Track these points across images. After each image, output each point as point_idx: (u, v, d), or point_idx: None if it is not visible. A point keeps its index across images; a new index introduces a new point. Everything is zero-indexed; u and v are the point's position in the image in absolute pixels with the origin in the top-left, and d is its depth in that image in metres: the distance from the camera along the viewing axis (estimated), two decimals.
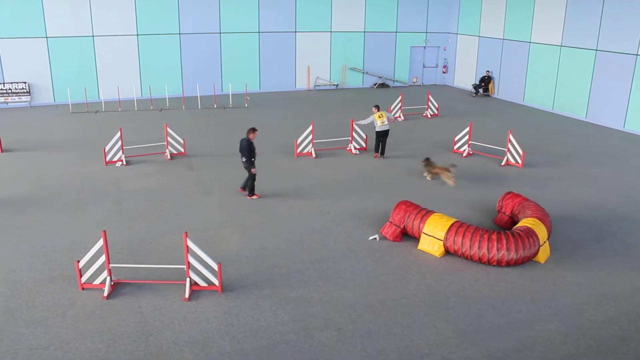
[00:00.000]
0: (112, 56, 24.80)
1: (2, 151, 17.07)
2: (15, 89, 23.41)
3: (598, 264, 10.38)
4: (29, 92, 23.64)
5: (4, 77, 23.31)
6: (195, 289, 9.19)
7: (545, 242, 10.41)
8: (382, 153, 16.83)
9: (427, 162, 15.06)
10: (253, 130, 13.12)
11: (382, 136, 16.60)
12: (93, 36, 24.33)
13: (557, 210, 12.86)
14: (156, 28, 25.25)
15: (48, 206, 12.80)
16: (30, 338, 7.91)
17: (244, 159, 13.11)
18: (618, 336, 8.18)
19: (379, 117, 16.39)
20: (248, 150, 12.97)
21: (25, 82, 23.50)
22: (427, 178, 15.01)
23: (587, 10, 22.29)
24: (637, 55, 20.45)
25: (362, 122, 17.03)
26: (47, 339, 7.90)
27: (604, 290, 9.48)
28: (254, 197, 13.47)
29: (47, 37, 23.62)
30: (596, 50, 22.05)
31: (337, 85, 29.19)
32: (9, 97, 23.42)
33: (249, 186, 13.46)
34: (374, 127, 16.60)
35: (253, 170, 13.19)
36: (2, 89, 23.22)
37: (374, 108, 16.76)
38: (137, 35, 24.99)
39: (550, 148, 18.28)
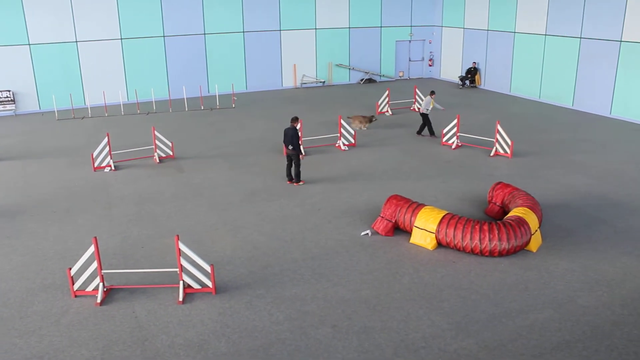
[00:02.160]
0: (97, 61, 24.62)
1: None
2: (0, 97, 23.19)
3: (589, 250, 10.45)
4: (13, 101, 23.43)
5: None
6: (189, 291, 9.15)
7: (536, 230, 10.46)
8: (432, 133, 18.63)
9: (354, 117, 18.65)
10: (297, 118, 14.17)
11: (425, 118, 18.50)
12: (76, 42, 24.15)
13: (548, 198, 12.92)
14: (140, 31, 25.09)
15: (37, 214, 12.71)
16: (24, 348, 7.85)
17: (290, 147, 13.83)
18: (611, 321, 8.23)
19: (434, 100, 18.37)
20: (296, 137, 13.83)
21: (9, 91, 23.29)
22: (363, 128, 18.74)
23: None
24: (620, 41, 20.57)
25: (437, 106, 18.77)
26: (41, 348, 7.84)
27: (596, 276, 9.54)
28: (301, 183, 14.27)
29: (29, 45, 23.42)
30: (580, 38, 22.16)
31: (324, 82, 29.17)
32: None
33: (296, 173, 14.22)
34: (427, 110, 18.32)
35: (302, 156, 14.08)
36: None
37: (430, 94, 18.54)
38: (121, 39, 24.83)
39: (538, 137, 18.37)
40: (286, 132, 13.96)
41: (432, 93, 18.68)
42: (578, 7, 22.06)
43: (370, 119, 19.28)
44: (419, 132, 18.81)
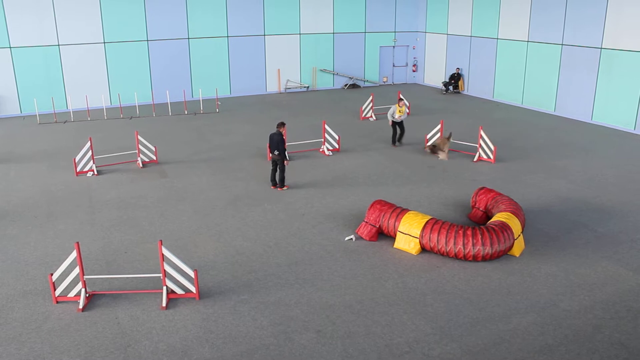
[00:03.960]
0: (79, 65, 24.43)
1: None
2: None
3: (571, 255, 10.55)
4: None
5: None
6: (172, 297, 9.09)
7: (519, 235, 10.54)
8: (399, 141, 18.39)
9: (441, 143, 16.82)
10: (283, 124, 14.27)
11: (397, 126, 18.25)
12: (59, 45, 23.94)
13: (530, 203, 13.04)
14: (123, 35, 24.95)
15: (18, 219, 12.56)
16: (3, 355, 7.74)
17: (276, 152, 13.89)
18: (593, 324, 8.32)
19: (399, 108, 17.79)
20: (282, 143, 13.91)
21: None
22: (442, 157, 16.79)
23: (551, 5, 22.67)
24: (601, 48, 20.84)
25: (389, 114, 18.10)
26: (21, 355, 7.74)
27: (578, 280, 9.63)
28: (285, 188, 14.27)
29: (10, 47, 23.16)
30: (562, 44, 22.43)
31: (308, 87, 29.20)
32: None
33: (280, 178, 14.22)
34: (392, 118, 18.02)
35: (286, 162, 14.16)
36: None
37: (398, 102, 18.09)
38: (104, 43, 24.67)
39: (521, 142, 18.53)
40: (272, 137, 14.00)
41: (400, 100, 18.33)
42: (559, 14, 22.34)
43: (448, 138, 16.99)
44: (399, 141, 18.32)
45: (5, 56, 23.15)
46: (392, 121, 18.01)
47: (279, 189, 14.28)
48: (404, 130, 18.31)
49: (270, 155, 14.24)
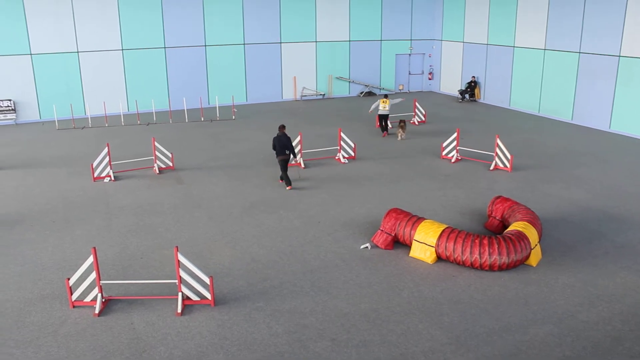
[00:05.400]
0: (98, 72, 24.72)
1: None
2: (0, 106, 23.24)
3: (589, 265, 10.42)
4: (14, 110, 23.47)
5: None
6: (187, 303, 9.12)
7: (536, 245, 10.44)
8: (385, 129, 20.78)
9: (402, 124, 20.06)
10: (284, 126, 14.91)
11: (383, 118, 20.67)
12: (78, 52, 24.24)
13: (547, 212, 12.92)
14: (141, 42, 25.20)
15: (36, 224, 12.69)
16: (21, 358, 7.80)
17: (287, 152, 14.59)
18: (612, 336, 8.20)
19: (383, 102, 20.36)
20: (291, 143, 14.67)
21: (10, 100, 23.35)
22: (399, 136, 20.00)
23: (568, 13, 22.54)
24: (619, 56, 20.67)
25: (372, 106, 20.69)
26: (38, 358, 7.79)
27: (596, 291, 9.51)
28: (288, 188, 14.87)
29: (31, 54, 23.50)
30: (579, 52, 22.27)
31: (324, 94, 29.26)
32: None
33: (286, 177, 14.83)
34: (378, 111, 20.59)
35: (295, 161, 15.38)
36: None
37: (383, 97, 20.67)
38: (122, 50, 24.93)
39: (538, 151, 18.40)
40: (279, 139, 14.51)
41: (386, 96, 20.83)
42: (577, 22, 22.20)
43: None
44: (385, 131, 20.80)
45: (25, 63, 23.49)
46: (379, 115, 20.65)
47: (288, 187, 14.80)
48: (387, 123, 20.87)
49: (280, 156, 14.64)
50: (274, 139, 14.72)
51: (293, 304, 9.16)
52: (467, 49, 28.73)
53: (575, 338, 8.17)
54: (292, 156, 15.00)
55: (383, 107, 20.41)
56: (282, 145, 14.55)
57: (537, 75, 24.46)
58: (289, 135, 15.03)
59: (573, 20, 22.39)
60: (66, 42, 24.00)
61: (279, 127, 14.88)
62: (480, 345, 8.02)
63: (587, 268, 10.33)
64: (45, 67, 23.84)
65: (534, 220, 10.90)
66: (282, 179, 15.05)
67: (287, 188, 14.77)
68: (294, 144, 16.63)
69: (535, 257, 10.40)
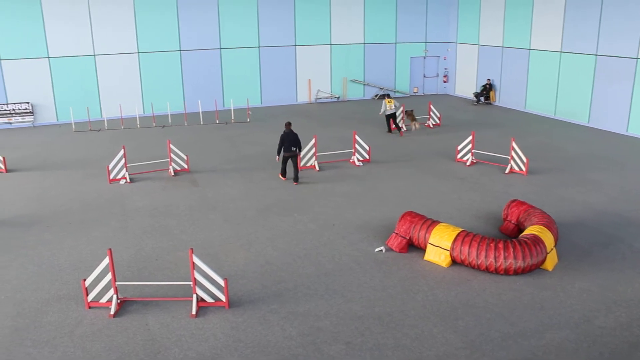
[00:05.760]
0: (114, 74, 24.93)
1: (6, 171, 17.12)
2: (19, 109, 23.52)
3: (607, 270, 10.31)
4: (32, 112, 23.75)
5: (7, 97, 23.44)
6: (202, 305, 9.15)
7: (552, 249, 10.36)
8: (398, 127, 21.44)
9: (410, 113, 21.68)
10: (290, 123, 15.50)
11: (391, 117, 21.32)
12: (94, 55, 24.47)
13: (563, 216, 12.81)
14: (157, 45, 25.39)
15: (53, 225, 12.81)
16: (37, 358, 7.88)
17: (293, 149, 15.18)
18: (630, 342, 8.10)
19: (388, 102, 20.93)
20: (298, 139, 15.30)
21: (28, 102, 23.62)
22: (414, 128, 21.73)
23: (585, 16, 22.35)
24: (637, 58, 20.46)
25: (381, 110, 21.18)
26: (55, 358, 7.87)
27: (613, 296, 9.41)
28: (295, 183, 15.55)
29: (49, 57, 23.76)
30: (596, 55, 22.08)
31: (339, 97, 29.26)
32: (13, 118, 23.53)
33: (297, 174, 15.53)
34: (387, 111, 21.05)
35: (277, 158, 15.62)
36: (5, 110, 23.34)
37: (386, 98, 21.24)
38: (138, 53, 25.12)
39: (554, 154, 18.26)
40: (288, 135, 15.10)
41: (388, 96, 21.40)
42: (593, 25, 22.01)
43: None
44: (389, 131, 21.50)
45: (43, 66, 23.75)
46: (387, 115, 21.18)
47: (295, 183, 15.46)
48: (397, 122, 21.50)
49: (287, 152, 15.25)
50: (282, 135, 15.17)
51: (307, 307, 9.16)
52: (483, 51, 28.60)
53: (591, 344, 8.09)
54: (297, 151, 15.53)
55: (390, 106, 20.93)
56: (291, 142, 15.11)
57: (553, 78, 24.28)
58: (296, 132, 15.65)
59: (590, 23, 22.19)
60: (83, 45, 24.24)
61: (286, 124, 15.39)
62: (495, 350, 7.97)
63: (604, 273, 10.22)
64: (63, 70, 24.10)
65: (549, 224, 10.81)
66: (283, 174, 15.77)
67: (281, 177, 15.81)
68: (308, 147, 16.71)
69: (551, 262, 10.31)
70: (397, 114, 21.69)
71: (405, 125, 21.99)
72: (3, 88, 23.32)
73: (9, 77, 23.34)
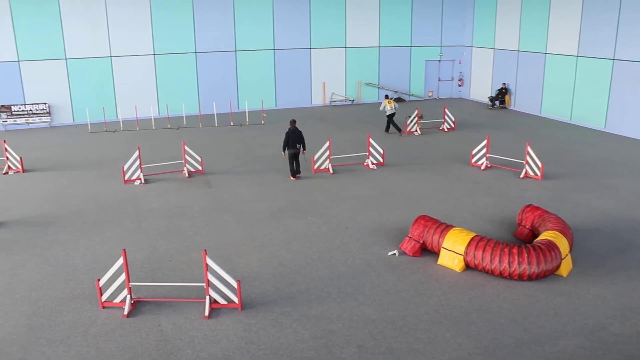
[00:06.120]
0: (130, 76, 25.12)
1: (23, 171, 17.30)
2: (36, 110, 23.78)
3: (622, 277, 10.20)
4: (49, 113, 24.00)
5: (25, 98, 23.70)
6: (215, 306, 9.17)
7: (567, 255, 10.27)
8: (398, 130, 21.88)
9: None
10: (295, 121, 16.06)
11: (390, 117, 21.71)
12: (111, 57, 24.68)
13: (579, 222, 12.70)
14: (172, 47, 25.55)
15: (68, 225, 12.92)
16: (52, 357, 7.94)
17: (298, 146, 15.66)
18: None
19: (388, 102, 21.43)
20: (302, 137, 15.78)
21: (45, 103, 23.87)
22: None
23: (602, 20, 22.17)
24: None
25: (381, 108, 21.78)
26: (68, 357, 7.93)
27: (629, 303, 9.30)
28: (297, 175, 16.22)
29: (66, 59, 24.00)
30: (613, 59, 21.89)
31: (353, 100, 29.25)
32: (30, 118, 23.80)
33: (298, 168, 16.08)
34: (385, 112, 21.61)
35: (304, 151, 16.07)
36: (23, 110, 23.60)
37: (385, 98, 21.81)
38: (154, 54, 25.29)
39: (569, 159, 18.11)
40: (293, 132, 15.65)
41: (386, 97, 21.86)
42: (611, 28, 21.82)
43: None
44: (387, 130, 22.02)
45: (61, 67, 23.99)
46: (388, 115, 21.55)
47: (297, 176, 16.09)
48: (394, 122, 21.86)
49: (291, 150, 15.66)
50: (287, 132, 15.72)
51: (320, 310, 9.16)
52: (498, 55, 28.46)
53: (606, 351, 8.00)
54: (302, 149, 15.91)
55: (391, 107, 21.37)
56: (295, 139, 15.61)
57: (570, 82, 24.09)
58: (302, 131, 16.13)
59: (608, 27, 22.00)
60: (100, 47, 24.46)
61: (291, 122, 16.00)
62: (508, 355, 7.91)
63: (619, 279, 10.11)
64: (80, 71, 24.33)
65: (564, 229, 10.72)
66: (292, 174, 16.14)
67: (292, 178, 16.09)
68: (322, 149, 16.72)
69: (565, 267, 10.23)
70: (409, 116, 22.24)
71: (420, 129, 22.23)
72: (21, 89, 23.60)
73: (27, 79, 23.61)
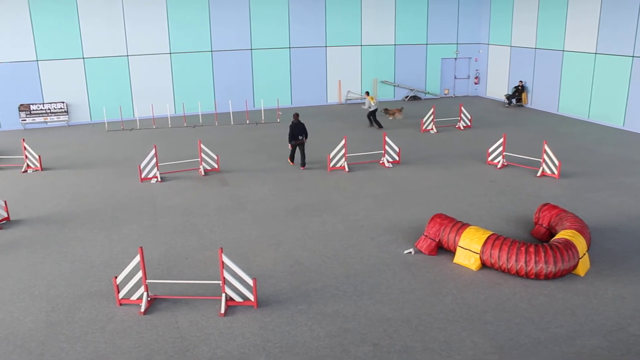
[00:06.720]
0: (146, 75, 25.29)
1: (42, 169, 17.50)
2: (54, 108, 24.04)
3: None
4: (66, 112, 24.24)
5: (44, 97, 23.97)
6: (230, 304, 9.22)
7: (584, 254, 10.18)
8: (372, 124, 22.99)
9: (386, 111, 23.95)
10: (298, 114, 17.28)
11: (372, 114, 22.74)
12: (127, 56, 24.86)
13: (596, 221, 12.58)
14: (188, 46, 25.68)
15: (86, 223, 13.05)
16: (70, 353, 8.04)
17: (301, 137, 16.85)
18: None
19: (371, 99, 22.60)
20: (305, 128, 16.99)
21: (63, 102, 24.11)
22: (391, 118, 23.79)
23: (622, 17, 21.90)
24: None
25: (364, 107, 23.12)
26: (86, 353, 8.01)
27: None
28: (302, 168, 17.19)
29: (84, 58, 24.22)
30: (633, 56, 21.62)
31: None
32: (48, 117, 24.06)
33: (304, 160, 17.11)
34: (369, 108, 22.61)
35: (290, 145, 17.16)
36: (42, 109, 23.87)
37: (365, 94, 23.54)
38: (170, 53, 25.44)
39: (587, 158, 17.93)
40: (297, 125, 16.79)
41: (367, 93, 23.52)
42: (631, 25, 21.55)
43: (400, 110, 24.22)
44: (371, 125, 22.91)
45: (78, 66, 24.22)
46: (371, 110, 22.54)
47: (302, 167, 17.05)
48: (376, 118, 22.84)
49: (295, 140, 16.86)
50: (291, 125, 16.87)
51: (335, 308, 9.17)
52: (515, 53, 28.24)
53: (625, 352, 7.92)
54: (305, 138, 17.03)
55: (374, 103, 22.54)
56: (299, 131, 16.78)
57: (587, 80, 23.86)
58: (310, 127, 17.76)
59: (627, 24, 21.74)
60: (117, 46, 24.66)
61: (294, 115, 17.10)
62: (525, 355, 7.87)
63: (638, 279, 10.00)
64: (97, 70, 24.55)
65: (582, 228, 10.63)
66: (292, 160, 17.47)
67: (290, 162, 17.52)
68: (338, 148, 16.74)
69: (583, 267, 10.14)
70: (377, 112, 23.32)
71: (391, 118, 24.09)
72: (40, 88, 23.87)
73: (45, 78, 23.88)
